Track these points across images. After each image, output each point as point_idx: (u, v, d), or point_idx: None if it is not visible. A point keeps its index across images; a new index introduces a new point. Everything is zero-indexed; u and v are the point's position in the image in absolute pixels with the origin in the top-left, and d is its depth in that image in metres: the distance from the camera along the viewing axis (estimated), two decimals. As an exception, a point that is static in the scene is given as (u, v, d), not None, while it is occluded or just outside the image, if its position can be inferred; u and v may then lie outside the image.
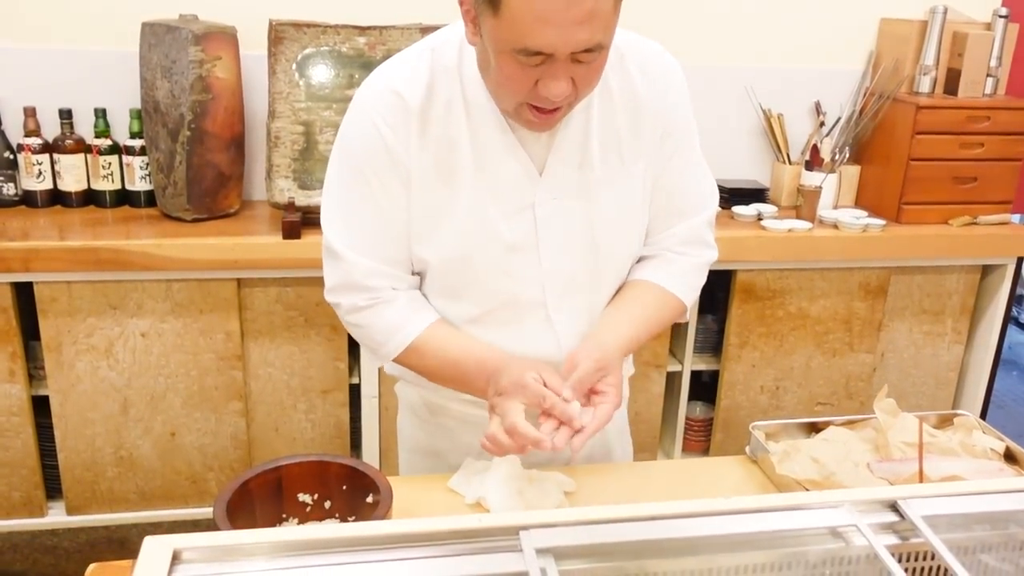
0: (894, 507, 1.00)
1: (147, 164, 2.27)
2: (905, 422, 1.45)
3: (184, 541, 0.84)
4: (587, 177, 1.19)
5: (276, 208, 2.21)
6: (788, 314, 2.49)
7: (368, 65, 2.20)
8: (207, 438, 2.27)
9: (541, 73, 1.01)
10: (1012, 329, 4.57)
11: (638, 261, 1.31)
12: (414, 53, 1.16)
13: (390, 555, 0.88)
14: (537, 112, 1.06)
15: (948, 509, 0.99)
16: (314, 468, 1.13)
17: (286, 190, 2.17)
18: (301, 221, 2.14)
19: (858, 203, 2.68)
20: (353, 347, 2.30)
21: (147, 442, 2.24)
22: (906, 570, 0.96)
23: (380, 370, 2.30)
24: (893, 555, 0.92)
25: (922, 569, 0.97)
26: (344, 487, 1.13)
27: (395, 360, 1.24)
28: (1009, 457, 1.39)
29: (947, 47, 2.53)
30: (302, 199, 2.16)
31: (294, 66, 2.18)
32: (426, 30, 2.22)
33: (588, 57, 1.01)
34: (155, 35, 2.11)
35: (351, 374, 2.34)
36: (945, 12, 2.48)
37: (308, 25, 2.17)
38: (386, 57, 2.20)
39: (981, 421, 1.47)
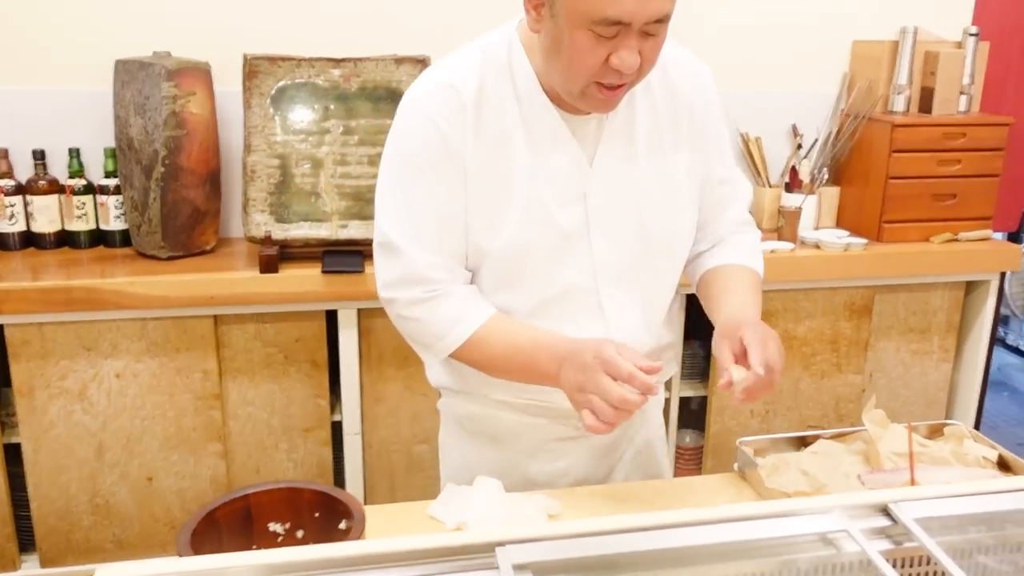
0: (886, 511, 0.97)
1: (122, 203, 2.24)
2: (895, 433, 1.42)
3: (140, 568, 0.80)
4: (634, 168, 1.25)
5: (253, 243, 2.18)
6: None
7: (343, 97, 2.20)
8: (186, 481, 2.21)
9: (614, 46, 1.07)
10: (1000, 350, 4.56)
11: (704, 251, 1.38)
12: (464, 53, 1.22)
13: (362, 576, 0.84)
14: (605, 90, 1.11)
15: (941, 511, 0.96)
16: (285, 495, 1.09)
17: (263, 224, 2.14)
18: (279, 255, 2.12)
19: (839, 224, 2.67)
20: (334, 383, 2.26)
21: (123, 488, 2.18)
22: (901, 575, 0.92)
23: (362, 406, 2.25)
24: (887, 560, 0.89)
25: (918, 574, 0.94)
26: (317, 514, 1.09)
27: (453, 354, 1.23)
28: (1003, 465, 1.36)
29: (919, 66, 2.55)
30: (279, 232, 2.14)
31: (269, 100, 2.17)
32: (400, 61, 2.22)
33: (656, 28, 1.07)
34: (128, 72, 2.11)
35: (333, 411, 2.29)
36: (915, 32, 2.50)
37: (282, 59, 2.17)
38: (362, 88, 2.20)
39: (972, 430, 1.44)
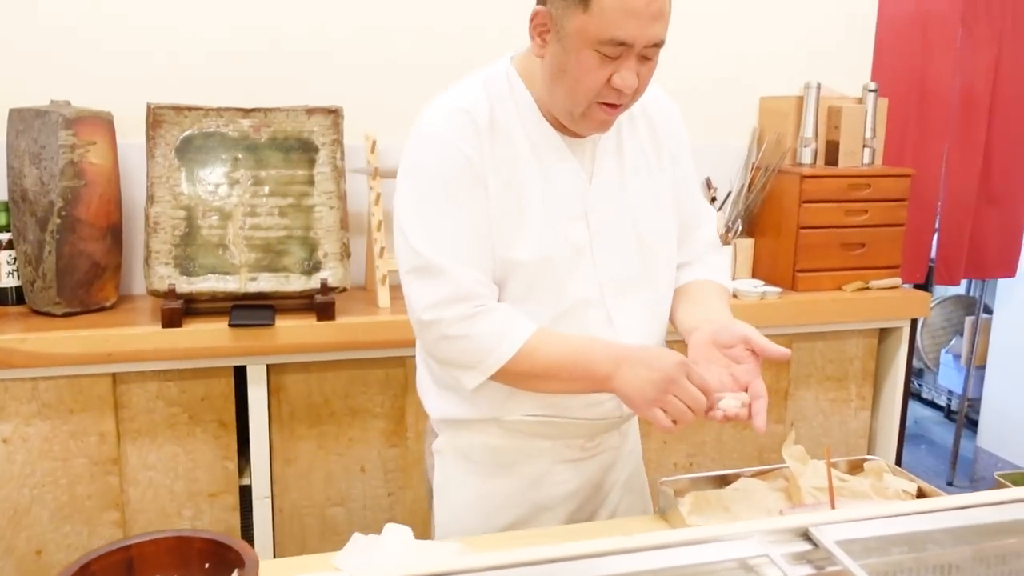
0: (806, 535, 0.93)
1: (14, 258, 2.12)
2: (815, 468, 1.40)
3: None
4: (626, 185, 1.36)
5: (156, 297, 2.08)
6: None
7: (253, 148, 2.14)
8: (79, 554, 2.04)
9: (616, 67, 1.19)
10: (916, 404, 4.66)
11: (680, 268, 1.48)
12: (466, 84, 1.32)
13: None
14: (606, 108, 1.23)
15: (862, 533, 0.93)
16: (172, 545, 1.00)
17: (166, 277, 2.05)
18: (183, 309, 2.02)
19: (755, 274, 2.71)
20: (243, 445, 2.15)
21: (9, 564, 2.01)
22: (825, 600, 0.88)
23: (272, 468, 2.14)
24: (809, 583, 0.85)
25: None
26: (207, 565, 1.00)
27: (503, 367, 1.25)
28: (921, 497, 1.35)
29: (824, 120, 2.64)
30: (184, 286, 2.05)
31: (173, 150, 2.10)
32: (312, 111, 2.19)
33: (652, 52, 1.21)
34: (23, 121, 2.02)
35: (241, 475, 2.17)
36: (819, 87, 2.59)
37: (189, 108, 2.11)
38: (272, 139, 2.16)
39: (891, 464, 1.43)
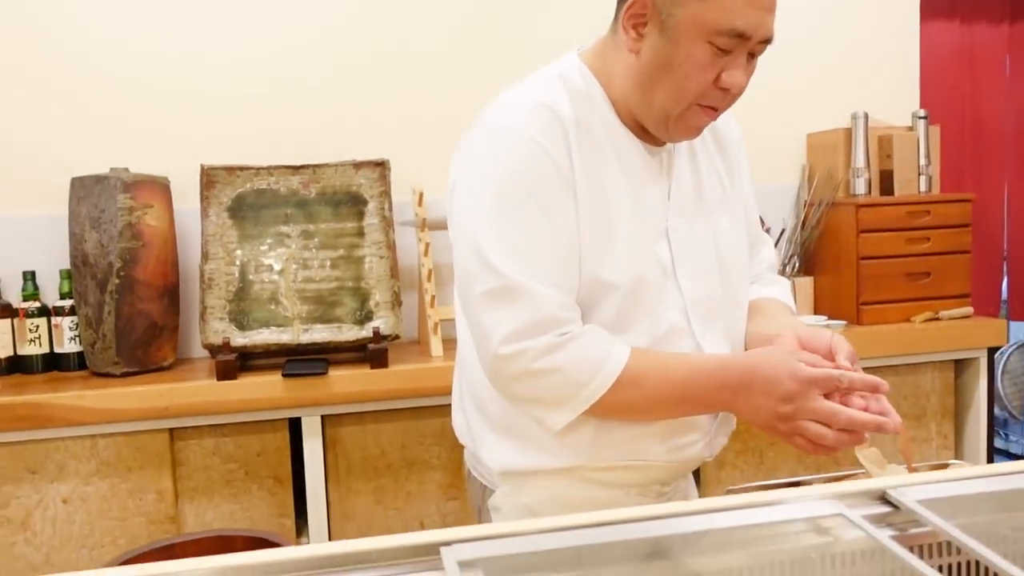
0: (883, 498, 0.86)
1: (76, 323, 2.17)
2: (893, 472, 1.31)
3: None
4: (702, 201, 1.23)
5: (212, 350, 2.10)
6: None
7: (303, 203, 2.19)
8: (138, 618, 2.01)
9: (726, 63, 1.08)
10: (1001, 459, 4.40)
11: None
12: (541, 79, 1.16)
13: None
14: (708, 110, 1.11)
15: (946, 493, 0.85)
16: (214, 544, 0.97)
17: (221, 331, 2.07)
18: (238, 361, 2.03)
19: (816, 312, 2.62)
20: (299, 501, 2.11)
21: (69, 630, 1.98)
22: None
23: (330, 524, 2.10)
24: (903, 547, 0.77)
25: (949, 566, 0.81)
26: (251, 565, 0.96)
27: (602, 397, 1.08)
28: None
29: (875, 150, 2.59)
30: (239, 339, 2.06)
31: (226, 208, 2.15)
32: (359, 165, 2.23)
33: (761, 49, 1.10)
34: (84, 188, 2.09)
35: (299, 533, 2.13)
36: (866, 117, 2.56)
37: (240, 168, 2.17)
38: (322, 194, 2.20)
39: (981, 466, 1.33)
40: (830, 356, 1.11)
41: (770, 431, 1.08)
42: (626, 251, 1.13)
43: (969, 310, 2.54)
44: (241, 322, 2.09)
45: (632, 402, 1.10)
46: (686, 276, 1.18)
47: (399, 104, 2.47)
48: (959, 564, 0.81)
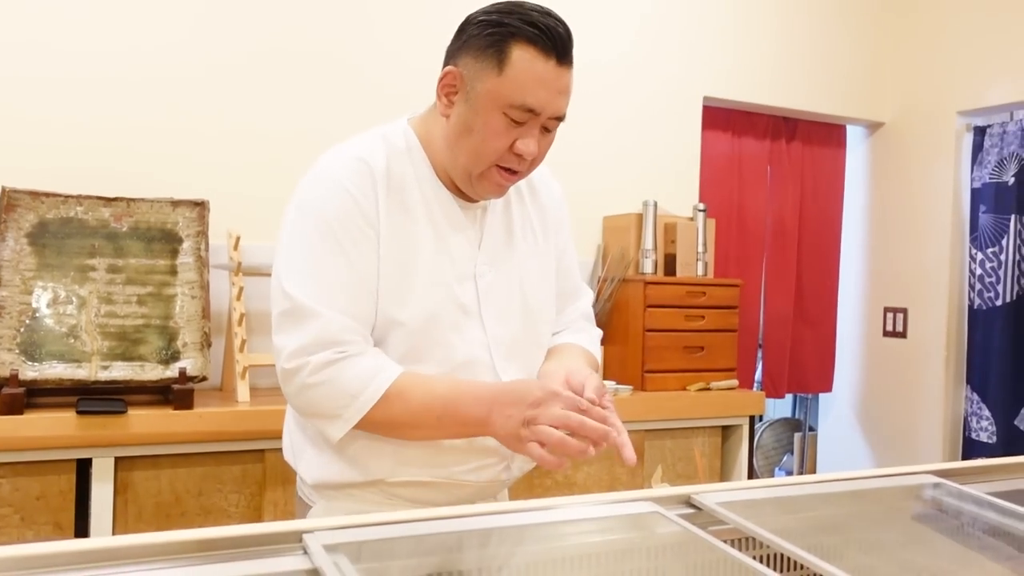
0: (689, 502, 0.99)
1: None
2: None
3: None
4: (513, 251, 1.37)
5: (-4, 384, 1.95)
6: (556, 483, 2.49)
7: (113, 236, 2.11)
8: None
9: (520, 133, 1.23)
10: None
11: (556, 334, 1.47)
12: (365, 138, 1.31)
13: (160, 567, 0.74)
14: (505, 173, 1.26)
15: (741, 497, 1.00)
16: None
17: (9, 363, 1.93)
18: (26, 397, 1.90)
19: (606, 377, 2.84)
20: (81, 549, 1.97)
21: None
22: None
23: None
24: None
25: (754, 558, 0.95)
26: None
27: (369, 412, 1.19)
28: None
29: (661, 235, 2.89)
30: (29, 372, 1.93)
31: (25, 235, 2.04)
32: (177, 204, 2.20)
33: (553, 125, 1.26)
34: None
35: (77, 585, 1.98)
36: (655, 205, 2.86)
37: (46, 195, 2.07)
38: (134, 228, 2.14)
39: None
40: (581, 391, 1.24)
41: (515, 440, 1.18)
42: (423, 292, 1.26)
43: (735, 382, 2.86)
44: (33, 354, 1.97)
45: (399, 416, 1.21)
46: (491, 317, 1.33)
47: (221, 148, 2.46)
48: (762, 557, 0.95)
